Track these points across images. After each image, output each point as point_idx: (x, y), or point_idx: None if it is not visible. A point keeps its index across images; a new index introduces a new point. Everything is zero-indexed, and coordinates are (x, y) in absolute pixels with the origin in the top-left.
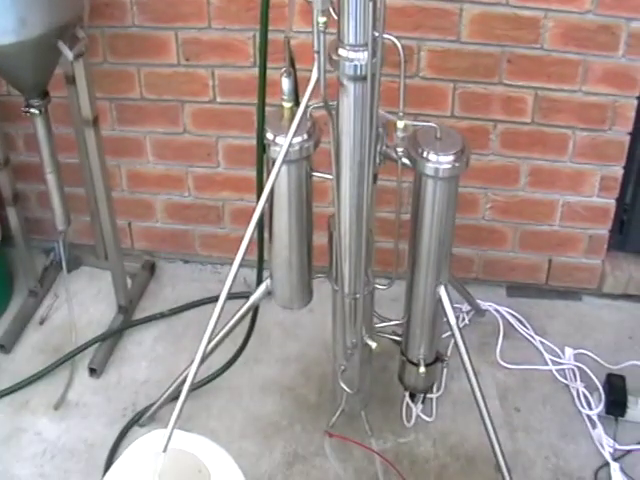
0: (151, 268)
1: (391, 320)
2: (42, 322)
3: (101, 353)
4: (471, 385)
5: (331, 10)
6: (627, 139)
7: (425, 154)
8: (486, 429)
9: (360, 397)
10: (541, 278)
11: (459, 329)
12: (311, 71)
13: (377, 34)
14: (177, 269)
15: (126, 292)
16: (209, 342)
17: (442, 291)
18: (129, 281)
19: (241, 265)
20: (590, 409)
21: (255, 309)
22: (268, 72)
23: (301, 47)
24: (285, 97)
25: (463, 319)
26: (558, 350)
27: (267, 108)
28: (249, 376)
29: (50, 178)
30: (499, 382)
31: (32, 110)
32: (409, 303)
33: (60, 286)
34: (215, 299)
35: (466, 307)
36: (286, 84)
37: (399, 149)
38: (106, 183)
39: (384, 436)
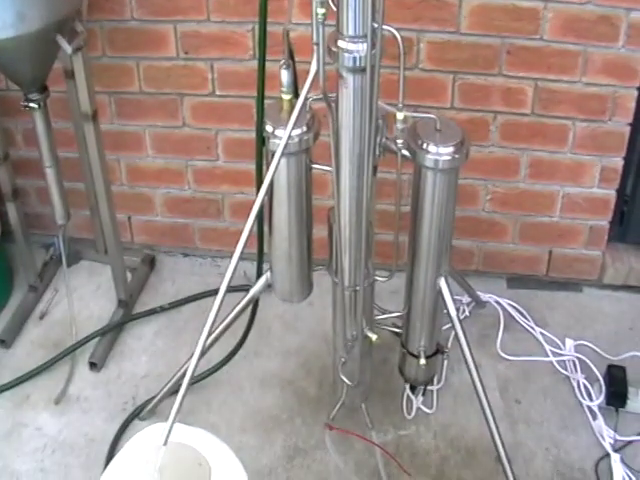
0: (151, 262)
1: (391, 312)
2: (42, 317)
3: (101, 347)
4: (471, 377)
5: (330, 2)
6: (627, 130)
7: (425, 146)
8: (487, 421)
9: (360, 390)
10: (541, 270)
11: (459, 321)
12: (310, 63)
13: (376, 25)
14: (177, 263)
15: (126, 286)
16: (209, 335)
17: (442, 283)
18: (129, 275)
19: (241, 258)
20: (591, 400)
21: (255, 302)
22: (267, 65)
23: (300, 39)
24: (284, 89)
25: (463, 311)
26: (558, 341)
27: (266, 101)
28: (249, 369)
29: (49, 172)
30: (499, 374)
31: (31, 105)
32: (409, 295)
33: (60, 281)
34: (215, 292)
35: (466, 299)
36: (285, 76)
37: (399, 141)
38: (105, 177)
39: (385, 429)
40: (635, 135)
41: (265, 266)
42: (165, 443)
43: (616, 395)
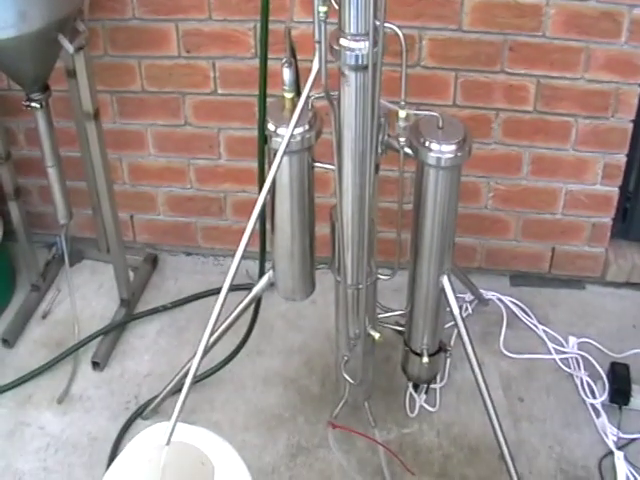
0: (153, 261)
1: (394, 310)
2: (45, 316)
3: (104, 346)
4: (474, 375)
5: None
6: (630, 126)
7: (427, 143)
8: (490, 419)
9: (363, 388)
10: (544, 267)
11: (462, 319)
12: (312, 61)
13: (378, 23)
14: (179, 262)
15: (128, 285)
16: (212, 334)
17: (445, 281)
18: (131, 274)
19: (243, 257)
20: (594, 398)
21: (258, 301)
22: (269, 63)
23: (302, 37)
24: (286, 88)
25: (466, 309)
26: (562, 339)
27: (268, 99)
28: (252, 368)
29: (51, 172)
30: (503, 372)
31: (33, 104)
32: (412, 293)
33: (62, 280)
34: (217, 291)
35: (469, 297)
36: (287, 75)
37: (401, 139)
38: (107, 176)
39: (387, 427)
40: (638, 132)
41: (267, 265)
42: (168, 442)
43: (619, 392)
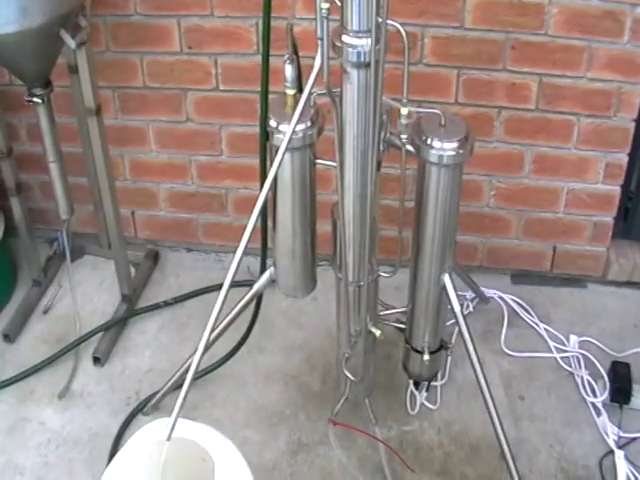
0: (154, 257)
1: (395, 308)
2: (46, 312)
3: (105, 342)
4: (475, 373)
5: None
6: (632, 126)
7: (429, 141)
8: (490, 417)
9: (364, 385)
10: (545, 266)
11: (463, 317)
12: (314, 58)
13: (380, 20)
14: (180, 258)
15: (130, 281)
16: (213, 330)
17: (446, 279)
18: (133, 270)
19: (245, 253)
20: (595, 397)
21: (259, 297)
22: (271, 59)
23: (304, 34)
24: (288, 84)
25: (467, 307)
26: (563, 338)
27: (270, 96)
28: (253, 365)
29: (53, 167)
30: (503, 370)
31: (35, 99)
32: (413, 291)
33: (64, 276)
34: (218, 287)
35: (470, 295)
36: (289, 71)
37: (403, 136)
38: (109, 172)
39: (388, 424)
40: None
41: (269, 261)
42: (169, 438)
43: (620, 392)
